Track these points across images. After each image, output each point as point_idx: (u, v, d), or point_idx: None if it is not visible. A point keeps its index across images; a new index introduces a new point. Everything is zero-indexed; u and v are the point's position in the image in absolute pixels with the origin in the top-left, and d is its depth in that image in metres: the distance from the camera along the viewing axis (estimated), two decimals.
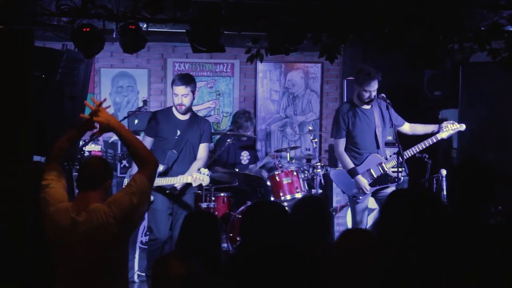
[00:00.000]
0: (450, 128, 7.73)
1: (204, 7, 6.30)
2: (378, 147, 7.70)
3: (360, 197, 7.60)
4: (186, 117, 7.51)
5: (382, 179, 7.65)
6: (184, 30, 6.48)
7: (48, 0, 6.16)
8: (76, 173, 4.83)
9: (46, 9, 6.16)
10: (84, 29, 5.99)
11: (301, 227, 4.68)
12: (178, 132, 7.41)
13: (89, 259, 4.36)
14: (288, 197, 8.51)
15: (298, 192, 8.48)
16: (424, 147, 7.66)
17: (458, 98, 8.87)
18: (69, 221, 4.34)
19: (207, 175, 7.33)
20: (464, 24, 6.80)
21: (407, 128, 7.94)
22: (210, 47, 6.44)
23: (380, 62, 8.25)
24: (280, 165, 9.10)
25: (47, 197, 4.45)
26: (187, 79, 7.45)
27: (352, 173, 7.59)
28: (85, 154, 7.70)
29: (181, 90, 7.37)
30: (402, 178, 7.60)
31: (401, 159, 7.44)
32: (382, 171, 7.63)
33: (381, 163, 7.65)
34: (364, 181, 7.53)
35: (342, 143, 7.67)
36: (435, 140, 7.69)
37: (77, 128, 4.74)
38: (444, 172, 7.82)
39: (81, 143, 7.41)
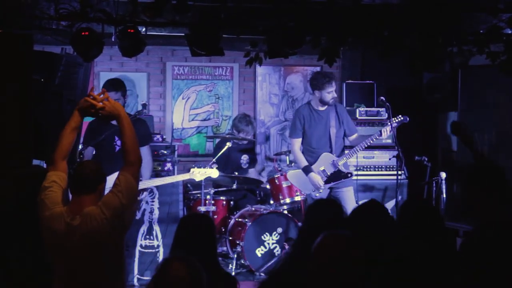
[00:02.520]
0: (394, 121, 7.92)
1: (203, 10, 6.29)
2: (331, 146, 8.03)
3: (317, 194, 7.94)
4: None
5: (336, 176, 7.99)
6: (183, 34, 6.49)
7: (47, 4, 6.16)
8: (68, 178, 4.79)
9: (45, 13, 6.15)
10: (83, 33, 5.99)
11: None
12: (116, 139, 7.35)
13: (86, 262, 4.36)
14: (288, 200, 8.51)
15: (297, 196, 8.47)
16: (368, 143, 7.96)
17: (457, 101, 8.88)
18: (64, 226, 4.34)
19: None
20: (463, 27, 6.81)
21: (354, 137, 8.24)
22: (209, 51, 6.43)
23: (380, 65, 8.27)
24: (279, 169, 9.10)
25: (45, 200, 4.43)
26: (117, 85, 7.43)
27: (306, 170, 7.99)
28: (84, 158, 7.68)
29: (111, 95, 7.28)
30: (353, 173, 8.14)
31: (399, 162, 7.59)
32: (334, 168, 7.95)
33: (333, 160, 7.96)
34: (317, 178, 7.94)
35: (297, 142, 8.13)
36: (379, 135, 7.91)
37: (77, 115, 4.70)
38: (443, 175, 7.84)
39: (80, 146, 7.40)
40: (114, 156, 7.17)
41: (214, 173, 7.84)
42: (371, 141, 7.94)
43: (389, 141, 8.86)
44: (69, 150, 4.66)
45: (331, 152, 8.00)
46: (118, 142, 7.24)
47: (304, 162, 8.02)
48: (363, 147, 7.96)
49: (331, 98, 7.99)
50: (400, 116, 7.94)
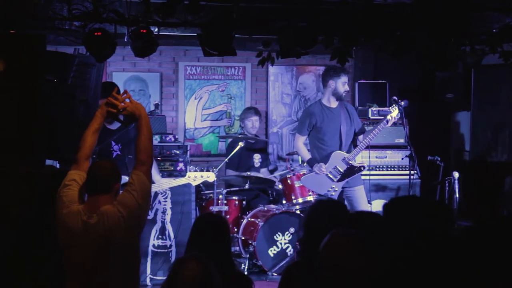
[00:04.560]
0: (396, 108, 7.94)
1: (215, 10, 6.31)
2: (341, 144, 7.98)
3: (333, 193, 7.88)
4: (114, 126, 7.25)
5: (349, 172, 7.92)
6: (195, 34, 6.49)
7: (60, 5, 6.18)
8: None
9: (58, 13, 6.18)
10: (96, 33, 6.01)
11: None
12: (113, 144, 7.32)
13: (101, 261, 4.37)
14: (300, 200, 8.51)
15: (310, 195, 8.46)
16: (376, 134, 7.92)
17: (470, 101, 8.86)
18: (80, 224, 4.36)
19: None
20: (476, 27, 6.80)
21: (362, 137, 8.21)
22: (221, 51, 6.44)
23: (392, 64, 8.26)
24: (292, 168, 9.11)
25: (63, 198, 4.45)
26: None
27: (311, 162, 8.00)
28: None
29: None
30: (365, 166, 8.05)
31: (412, 162, 7.55)
32: (347, 165, 7.89)
33: (345, 157, 7.90)
34: (322, 165, 7.88)
35: (301, 139, 8.17)
36: (385, 124, 7.90)
37: (100, 116, 4.73)
38: (456, 174, 7.82)
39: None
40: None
41: (211, 177, 7.81)
42: (379, 130, 7.89)
43: (402, 140, 8.85)
44: (91, 151, 4.70)
45: (341, 149, 7.96)
46: (115, 147, 7.26)
47: (308, 155, 8.06)
48: (372, 139, 7.92)
49: (345, 91, 7.97)
50: (399, 101, 7.93)
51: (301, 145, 8.16)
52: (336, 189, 7.92)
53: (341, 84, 7.93)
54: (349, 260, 3.18)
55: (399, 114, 7.90)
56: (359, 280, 3.15)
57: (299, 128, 8.23)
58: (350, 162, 7.90)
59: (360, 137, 8.12)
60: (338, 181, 7.91)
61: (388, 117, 7.86)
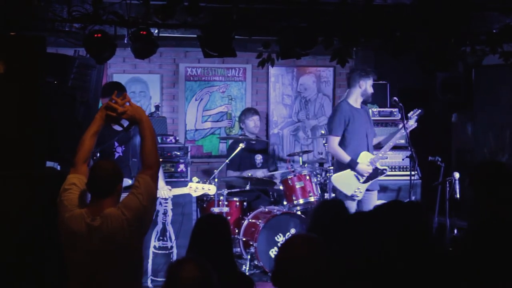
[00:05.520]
0: (414, 115, 8.04)
1: (215, 12, 6.31)
2: (367, 146, 7.96)
3: (359, 195, 7.86)
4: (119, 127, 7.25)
5: (374, 174, 7.92)
6: (195, 35, 6.49)
7: (60, 7, 6.19)
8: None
9: (58, 15, 6.18)
10: (96, 35, 6.00)
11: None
12: (116, 145, 7.32)
13: (104, 263, 4.37)
14: (301, 201, 8.50)
15: (311, 196, 8.47)
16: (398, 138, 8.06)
17: (471, 101, 8.85)
18: (84, 227, 4.35)
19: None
20: (476, 27, 6.80)
21: (375, 139, 8.30)
22: (221, 52, 6.44)
23: (393, 65, 8.26)
24: (292, 169, 9.11)
25: (64, 202, 4.44)
26: (123, 87, 7.34)
27: (353, 164, 7.84)
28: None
29: None
30: (385, 171, 8.05)
31: (413, 163, 7.57)
32: (373, 167, 7.88)
33: (371, 159, 7.89)
34: (366, 167, 7.83)
35: (336, 140, 7.93)
36: (407, 131, 8.00)
37: (99, 119, 4.73)
38: (457, 175, 7.81)
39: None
40: None
41: (211, 189, 7.83)
42: (397, 139, 7.99)
43: (403, 141, 8.83)
44: (89, 154, 4.69)
45: (367, 150, 7.95)
46: (118, 149, 7.27)
47: (347, 157, 7.84)
48: (392, 144, 7.99)
49: (371, 92, 7.99)
50: (416, 110, 8.03)
51: (338, 146, 7.92)
52: (362, 190, 7.89)
53: (370, 85, 7.95)
54: (304, 263, 3.18)
55: (415, 123, 8.00)
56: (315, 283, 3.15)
57: (334, 128, 7.95)
58: (375, 164, 7.89)
59: (374, 140, 8.15)
60: (363, 182, 7.88)
61: (410, 122, 7.97)
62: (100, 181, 4.46)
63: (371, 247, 3.54)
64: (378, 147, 8.12)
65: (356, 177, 7.84)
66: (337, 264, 3.24)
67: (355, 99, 7.99)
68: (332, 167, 8.76)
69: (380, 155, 7.93)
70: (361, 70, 8.00)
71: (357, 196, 7.86)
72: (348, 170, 7.88)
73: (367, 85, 7.93)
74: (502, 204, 4.17)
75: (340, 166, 7.99)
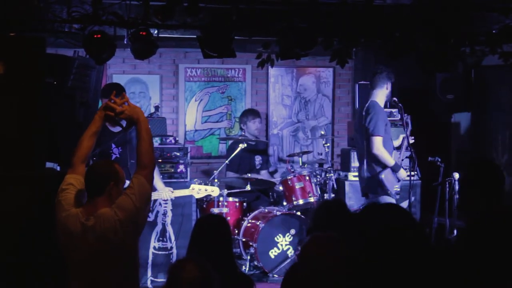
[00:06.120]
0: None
1: (214, 12, 6.31)
2: (393, 148, 7.77)
3: (398, 194, 7.72)
4: (116, 129, 7.05)
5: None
6: (195, 36, 6.50)
7: (59, 7, 6.20)
8: None
9: (57, 16, 6.19)
10: (95, 36, 6.01)
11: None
12: (113, 146, 7.31)
13: (100, 263, 4.38)
14: (301, 201, 8.51)
15: (310, 197, 8.47)
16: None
17: (470, 102, 8.86)
18: (79, 226, 4.37)
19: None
20: (476, 27, 6.80)
21: None
22: (221, 53, 6.45)
23: (392, 65, 8.25)
24: (292, 170, 9.11)
25: (62, 202, 4.46)
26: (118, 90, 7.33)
27: (397, 167, 7.55)
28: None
29: None
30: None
31: (412, 163, 7.54)
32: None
33: (398, 159, 7.70)
34: (404, 173, 7.69)
35: (382, 140, 7.49)
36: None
37: (98, 120, 4.74)
38: (457, 175, 7.80)
39: None
40: None
41: (215, 191, 7.84)
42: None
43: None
44: (88, 154, 4.71)
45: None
46: (115, 150, 7.27)
47: (393, 161, 7.52)
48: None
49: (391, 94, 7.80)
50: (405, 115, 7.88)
51: (384, 148, 7.50)
52: (398, 189, 7.73)
53: (391, 88, 7.73)
54: (324, 261, 3.18)
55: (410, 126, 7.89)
56: (334, 281, 3.15)
57: (378, 127, 7.47)
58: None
59: None
60: (398, 181, 7.70)
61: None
62: (90, 181, 4.49)
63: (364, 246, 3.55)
64: None
65: (396, 177, 7.61)
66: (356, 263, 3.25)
67: (382, 100, 7.70)
68: (331, 168, 8.78)
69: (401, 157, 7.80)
70: (389, 72, 7.67)
71: (399, 194, 7.71)
72: (389, 170, 7.59)
73: (390, 88, 7.72)
74: (494, 202, 4.20)
75: (377, 164, 7.60)
